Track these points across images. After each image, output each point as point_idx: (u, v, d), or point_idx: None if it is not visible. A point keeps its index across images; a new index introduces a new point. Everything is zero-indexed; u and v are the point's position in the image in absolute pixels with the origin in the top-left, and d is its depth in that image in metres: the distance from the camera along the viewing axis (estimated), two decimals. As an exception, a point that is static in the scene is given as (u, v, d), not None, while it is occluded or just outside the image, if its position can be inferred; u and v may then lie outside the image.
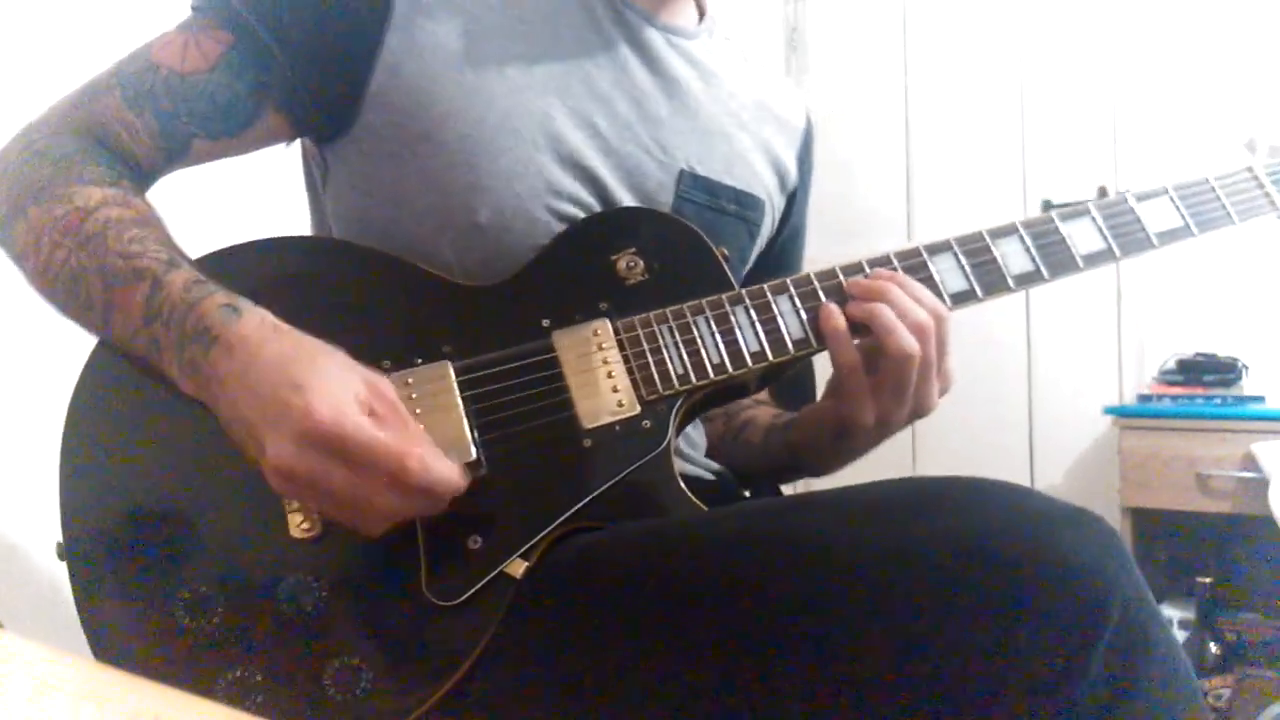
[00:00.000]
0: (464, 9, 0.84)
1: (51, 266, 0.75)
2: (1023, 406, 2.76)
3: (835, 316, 0.80)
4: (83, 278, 0.74)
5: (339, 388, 0.66)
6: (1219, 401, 2.39)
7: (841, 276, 0.82)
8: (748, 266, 0.98)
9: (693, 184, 0.90)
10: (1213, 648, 2.31)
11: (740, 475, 0.98)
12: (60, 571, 0.73)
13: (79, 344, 0.79)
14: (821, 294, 0.81)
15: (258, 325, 0.69)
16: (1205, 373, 2.43)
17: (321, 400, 0.64)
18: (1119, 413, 2.45)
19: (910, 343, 0.78)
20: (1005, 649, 0.56)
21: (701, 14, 0.98)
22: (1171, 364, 2.48)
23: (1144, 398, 2.48)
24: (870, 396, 0.80)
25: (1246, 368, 2.42)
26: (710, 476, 0.96)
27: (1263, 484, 2.10)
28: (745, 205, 0.94)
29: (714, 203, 0.91)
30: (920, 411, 0.82)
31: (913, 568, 0.59)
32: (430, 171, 0.82)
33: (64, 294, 0.76)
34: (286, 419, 0.64)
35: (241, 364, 0.67)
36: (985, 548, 0.59)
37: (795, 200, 1.04)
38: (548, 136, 0.84)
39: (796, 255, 1.07)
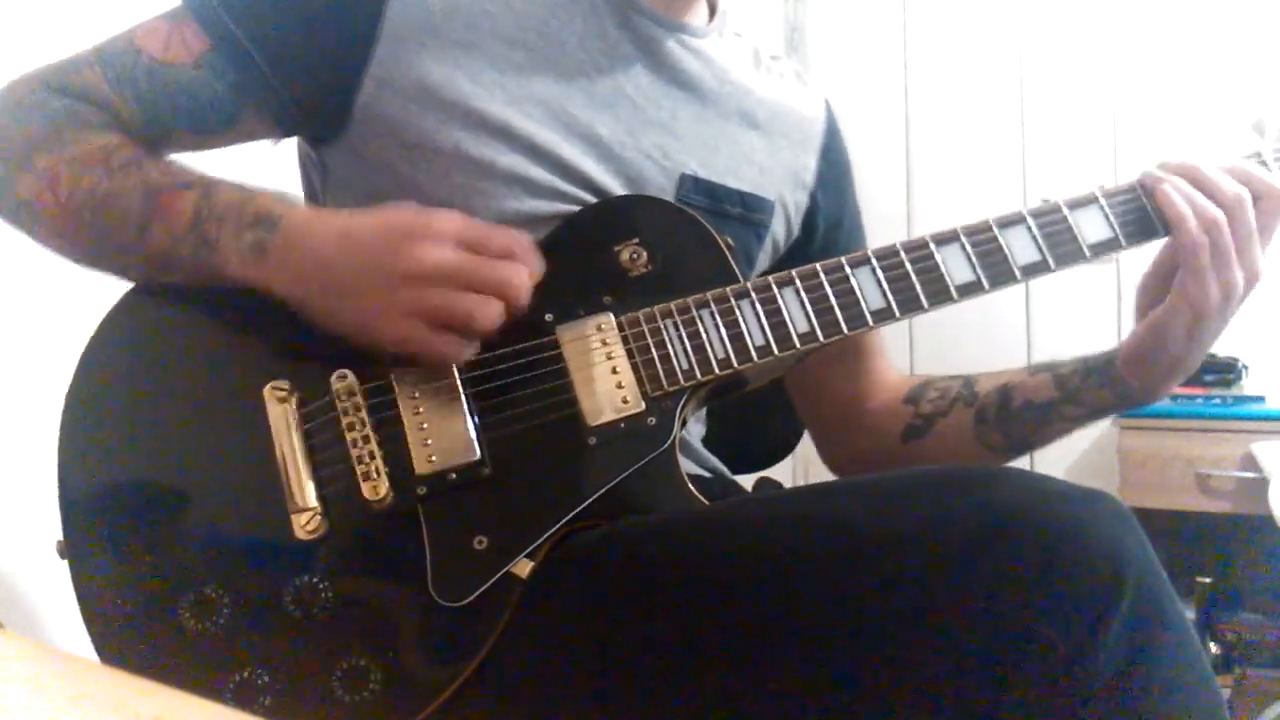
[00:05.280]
0: (461, 19, 0.82)
1: (76, 196, 0.77)
2: (1022, 406, 2.75)
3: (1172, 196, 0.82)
4: (117, 196, 0.76)
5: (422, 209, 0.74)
6: (1219, 401, 2.38)
7: (847, 269, 0.81)
8: (756, 269, 0.96)
9: (693, 188, 0.89)
10: (1213, 648, 2.31)
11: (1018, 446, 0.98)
12: (60, 571, 0.72)
13: (74, 342, 0.78)
14: (826, 286, 0.80)
15: (312, 208, 0.77)
16: (1205, 372, 2.42)
17: (425, 211, 0.73)
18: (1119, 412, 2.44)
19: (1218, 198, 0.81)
20: (1025, 620, 0.57)
21: (712, 11, 0.96)
22: (1171, 364, 2.48)
23: (1144, 397, 2.48)
24: (1208, 271, 0.81)
25: (1246, 368, 2.41)
26: (708, 475, 0.95)
27: (1263, 484, 2.10)
28: (751, 208, 0.93)
29: (715, 206, 0.90)
30: (1253, 278, 0.83)
31: (935, 543, 0.61)
32: (427, 178, 0.82)
33: (90, 218, 0.77)
34: (406, 238, 0.71)
35: (321, 228, 0.74)
36: (1005, 523, 0.60)
37: (820, 196, 1.01)
38: (546, 144, 0.83)
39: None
